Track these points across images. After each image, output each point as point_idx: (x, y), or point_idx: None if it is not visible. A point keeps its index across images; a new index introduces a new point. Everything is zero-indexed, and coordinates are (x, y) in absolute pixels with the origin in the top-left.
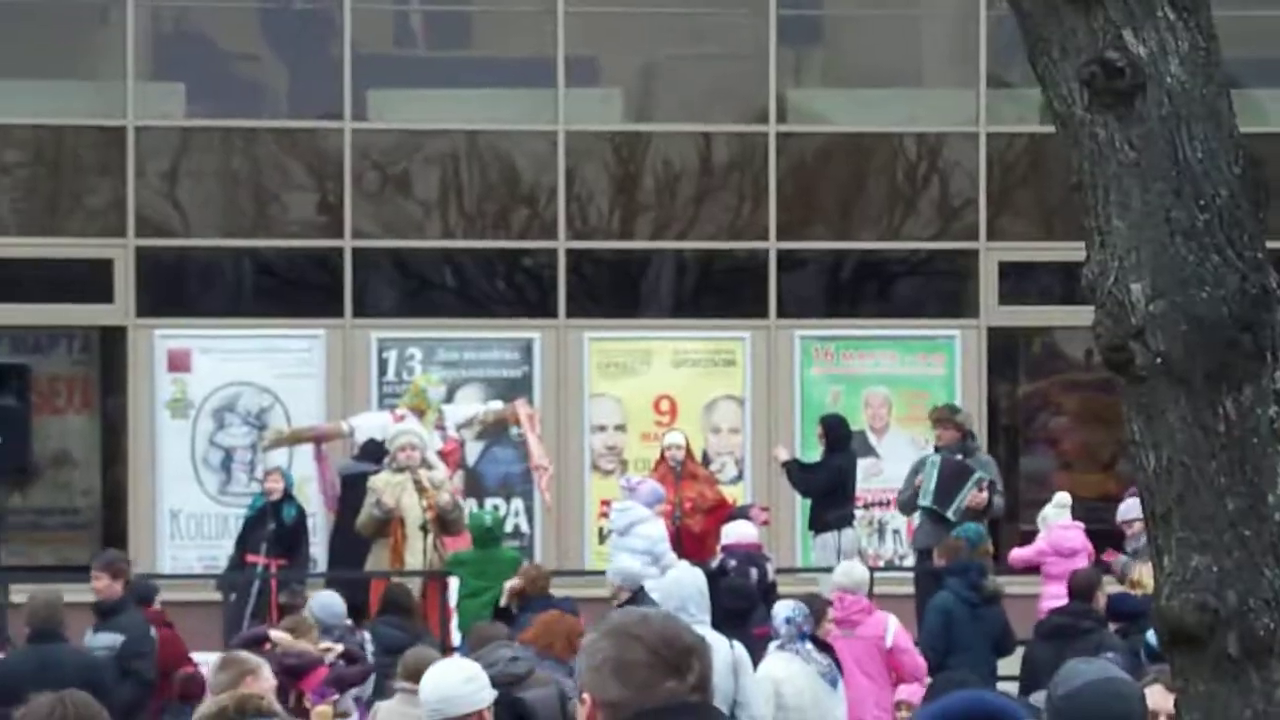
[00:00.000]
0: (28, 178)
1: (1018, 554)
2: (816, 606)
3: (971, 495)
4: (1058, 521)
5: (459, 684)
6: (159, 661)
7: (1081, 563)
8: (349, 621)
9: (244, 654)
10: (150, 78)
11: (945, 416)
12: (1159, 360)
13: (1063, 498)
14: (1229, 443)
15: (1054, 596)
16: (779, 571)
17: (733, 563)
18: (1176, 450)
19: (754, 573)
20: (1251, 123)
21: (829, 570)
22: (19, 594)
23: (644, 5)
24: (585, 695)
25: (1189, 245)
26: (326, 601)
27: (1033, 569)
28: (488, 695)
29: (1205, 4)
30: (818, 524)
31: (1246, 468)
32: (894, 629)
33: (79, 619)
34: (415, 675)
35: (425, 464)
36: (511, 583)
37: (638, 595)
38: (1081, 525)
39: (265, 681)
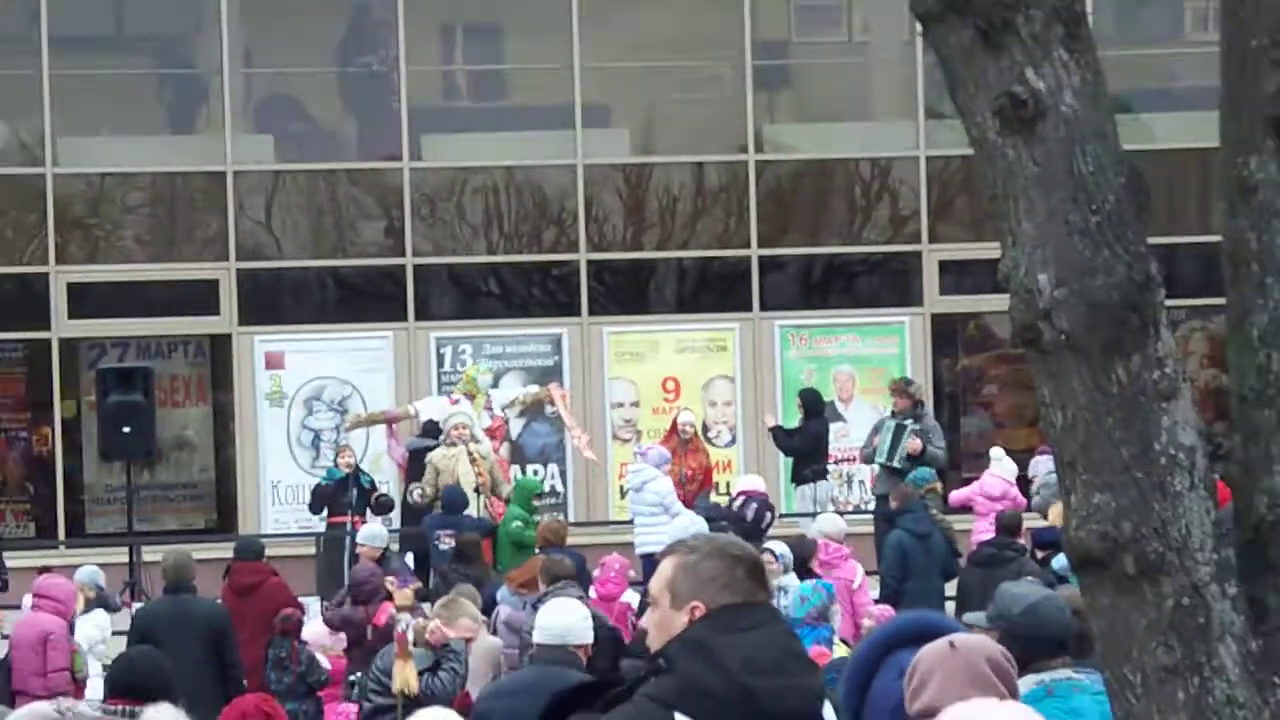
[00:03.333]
0: (148, 215)
1: (955, 495)
2: (806, 546)
3: (909, 443)
4: (992, 470)
5: (579, 620)
6: (268, 604)
7: (1005, 505)
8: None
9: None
10: (245, 131)
11: (900, 388)
12: (1063, 336)
13: (995, 451)
14: (1122, 401)
15: (982, 532)
16: None
17: (753, 505)
18: (1079, 409)
19: (767, 515)
20: (1134, 140)
21: (808, 515)
22: (150, 554)
23: (646, 60)
24: (698, 603)
25: (1085, 242)
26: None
27: (967, 508)
28: (591, 634)
29: (1092, 46)
30: (798, 478)
31: (1136, 421)
32: (861, 575)
33: (202, 573)
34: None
35: (474, 439)
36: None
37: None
38: (1009, 477)
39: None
